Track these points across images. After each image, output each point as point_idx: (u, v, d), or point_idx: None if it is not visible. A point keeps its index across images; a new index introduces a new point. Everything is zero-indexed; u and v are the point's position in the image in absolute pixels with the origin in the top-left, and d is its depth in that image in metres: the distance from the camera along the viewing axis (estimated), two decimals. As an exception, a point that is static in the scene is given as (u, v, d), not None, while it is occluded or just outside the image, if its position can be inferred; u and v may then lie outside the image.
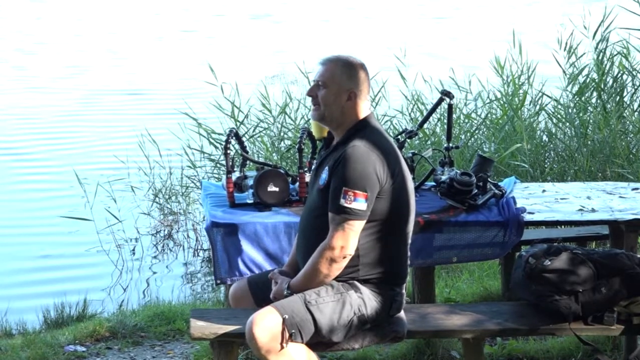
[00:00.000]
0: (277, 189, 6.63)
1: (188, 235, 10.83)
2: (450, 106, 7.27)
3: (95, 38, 20.74)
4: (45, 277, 9.77)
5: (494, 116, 11.25)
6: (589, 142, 10.45)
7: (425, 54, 14.93)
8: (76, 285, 9.21)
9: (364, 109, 5.62)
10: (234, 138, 6.93)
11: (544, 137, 10.95)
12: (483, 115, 11.30)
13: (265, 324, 5.39)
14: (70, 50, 18.84)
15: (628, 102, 11.11)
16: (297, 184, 6.73)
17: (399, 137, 6.92)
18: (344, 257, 5.43)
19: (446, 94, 7.24)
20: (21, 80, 16.89)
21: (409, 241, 5.72)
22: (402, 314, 5.77)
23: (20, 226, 11.18)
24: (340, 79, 5.57)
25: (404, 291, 5.74)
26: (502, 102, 11.34)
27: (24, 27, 21.68)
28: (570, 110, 11.10)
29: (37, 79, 16.74)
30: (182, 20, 22.38)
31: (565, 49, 11.32)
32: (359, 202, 5.36)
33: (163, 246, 10.70)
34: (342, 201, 5.35)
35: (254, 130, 11.19)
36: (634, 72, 11.20)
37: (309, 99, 5.81)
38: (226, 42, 18.79)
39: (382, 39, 17.08)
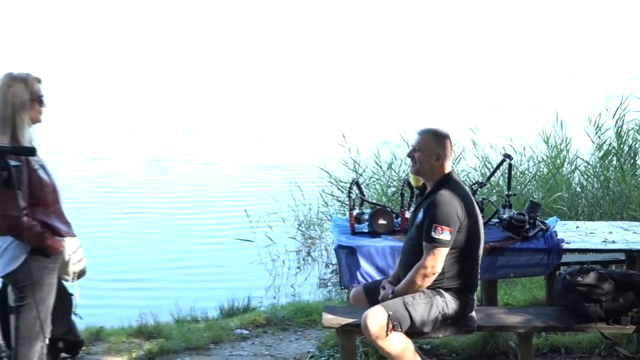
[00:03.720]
0: (385, 222, 6.63)
1: (322, 254, 10.85)
2: (510, 165, 7.24)
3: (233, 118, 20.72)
4: (221, 280, 9.85)
5: (541, 173, 11.14)
6: (611, 193, 10.31)
7: (492, 129, 14.76)
8: (242, 286, 9.26)
9: (448, 167, 5.68)
10: (355, 185, 6.96)
11: (578, 189, 10.82)
12: (533, 172, 11.20)
13: (376, 318, 5.41)
14: (231, 131, 18.89)
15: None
16: (400, 218, 6.72)
17: (473, 187, 6.88)
18: (434, 274, 5.48)
19: (507, 156, 7.23)
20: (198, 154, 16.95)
21: (479, 261, 5.72)
22: (473, 313, 5.74)
23: (206, 243, 11.33)
24: (431, 146, 5.64)
25: (475, 297, 5.73)
26: (547, 163, 11.24)
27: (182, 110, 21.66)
28: (596, 170, 10.97)
29: (210, 155, 16.79)
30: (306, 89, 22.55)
31: (593, 125, 11.24)
32: (445, 235, 5.41)
33: (304, 261, 10.73)
34: (433, 234, 5.41)
35: (369, 180, 11.21)
36: (643, 143, 11.13)
37: (408, 159, 5.83)
38: (347, 115, 18.84)
39: (459, 114, 17.06)
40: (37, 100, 5.23)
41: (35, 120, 5.26)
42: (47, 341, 5.33)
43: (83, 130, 17.78)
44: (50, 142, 5.04)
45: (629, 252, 6.70)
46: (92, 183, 13.61)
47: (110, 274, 9.72)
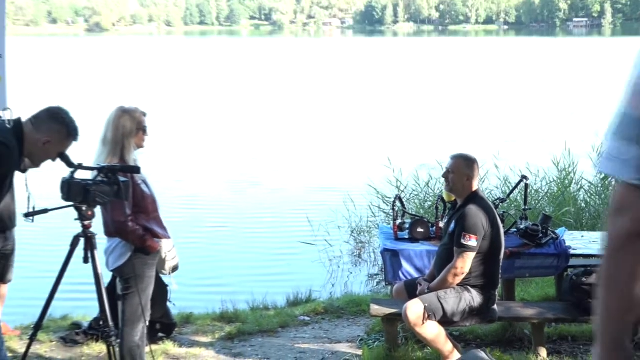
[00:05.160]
0: (422, 230, 6.60)
1: (370, 255, 10.81)
2: (526, 184, 7.20)
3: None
4: (287, 278, 9.83)
5: (552, 191, 11.02)
6: (610, 208, 10.16)
7: (510, 155, 14.58)
8: (304, 282, 9.24)
9: (475, 185, 5.66)
10: (398, 200, 6.94)
11: (583, 204, 10.67)
12: (545, 190, 11.07)
13: (414, 309, 5.40)
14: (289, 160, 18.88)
15: (635, 184, 10.78)
16: (435, 227, 6.68)
17: (495, 202, 6.81)
18: (462, 273, 5.46)
19: (524, 177, 7.20)
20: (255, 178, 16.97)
21: (500, 263, 5.68)
22: (495, 306, 5.72)
23: (276, 247, 11.35)
24: (462, 168, 5.63)
25: (496, 293, 5.71)
26: (557, 183, 11.13)
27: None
28: (598, 189, 10.84)
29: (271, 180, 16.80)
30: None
31: (596, 152, 11.10)
32: (472, 242, 5.39)
33: (355, 261, 10.70)
34: (463, 241, 5.39)
35: (409, 196, 11.18)
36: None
37: (443, 179, 5.83)
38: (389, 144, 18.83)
39: (484, 143, 16.91)
40: (141, 129, 5.29)
41: (139, 146, 5.32)
42: (147, 323, 5.38)
43: (167, 154, 17.83)
44: (146, 164, 5.09)
45: (626, 258, 6.59)
46: (179, 201, 13.60)
47: (198, 272, 9.79)
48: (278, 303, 8.31)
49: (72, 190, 4.66)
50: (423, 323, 5.41)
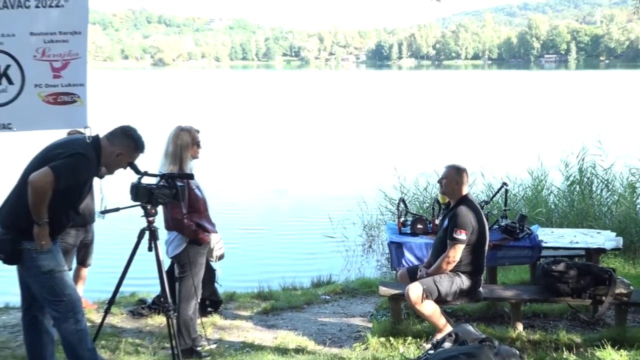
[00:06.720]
0: (422, 226, 6.56)
1: (379, 247, 10.76)
2: (506, 190, 7.12)
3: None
4: (309, 268, 9.70)
5: (527, 195, 10.92)
6: (575, 209, 10.06)
7: (494, 166, 14.45)
8: (325, 268, 9.22)
9: (464, 190, 5.62)
10: (401, 202, 6.90)
11: (552, 206, 10.56)
12: (522, 194, 10.98)
13: (414, 290, 5.38)
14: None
15: (594, 190, 10.67)
16: (432, 224, 6.64)
17: (481, 204, 6.74)
18: (454, 262, 5.44)
19: (504, 183, 7.14)
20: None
21: (485, 254, 5.62)
22: (480, 288, 5.66)
23: (303, 240, 11.33)
24: (453, 175, 5.60)
25: (482, 278, 5.65)
26: (531, 188, 11.03)
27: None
28: (565, 193, 10.73)
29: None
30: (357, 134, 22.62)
31: (563, 164, 11.01)
32: (462, 236, 5.36)
33: (367, 251, 10.66)
34: (454, 235, 5.36)
35: (411, 198, 11.14)
36: (597, 176, 10.81)
37: (438, 184, 5.79)
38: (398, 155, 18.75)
39: (472, 156, 16.83)
40: (196, 144, 5.31)
41: (194, 157, 5.34)
42: (198, 300, 5.39)
43: (211, 167, 17.63)
44: (199, 172, 5.12)
45: (587, 250, 6.54)
46: (222, 207, 13.37)
47: (240, 260, 9.79)
48: (304, 284, 8.29)
49: (139, 193, 4.69)
50: (422, 302, 5.39)
